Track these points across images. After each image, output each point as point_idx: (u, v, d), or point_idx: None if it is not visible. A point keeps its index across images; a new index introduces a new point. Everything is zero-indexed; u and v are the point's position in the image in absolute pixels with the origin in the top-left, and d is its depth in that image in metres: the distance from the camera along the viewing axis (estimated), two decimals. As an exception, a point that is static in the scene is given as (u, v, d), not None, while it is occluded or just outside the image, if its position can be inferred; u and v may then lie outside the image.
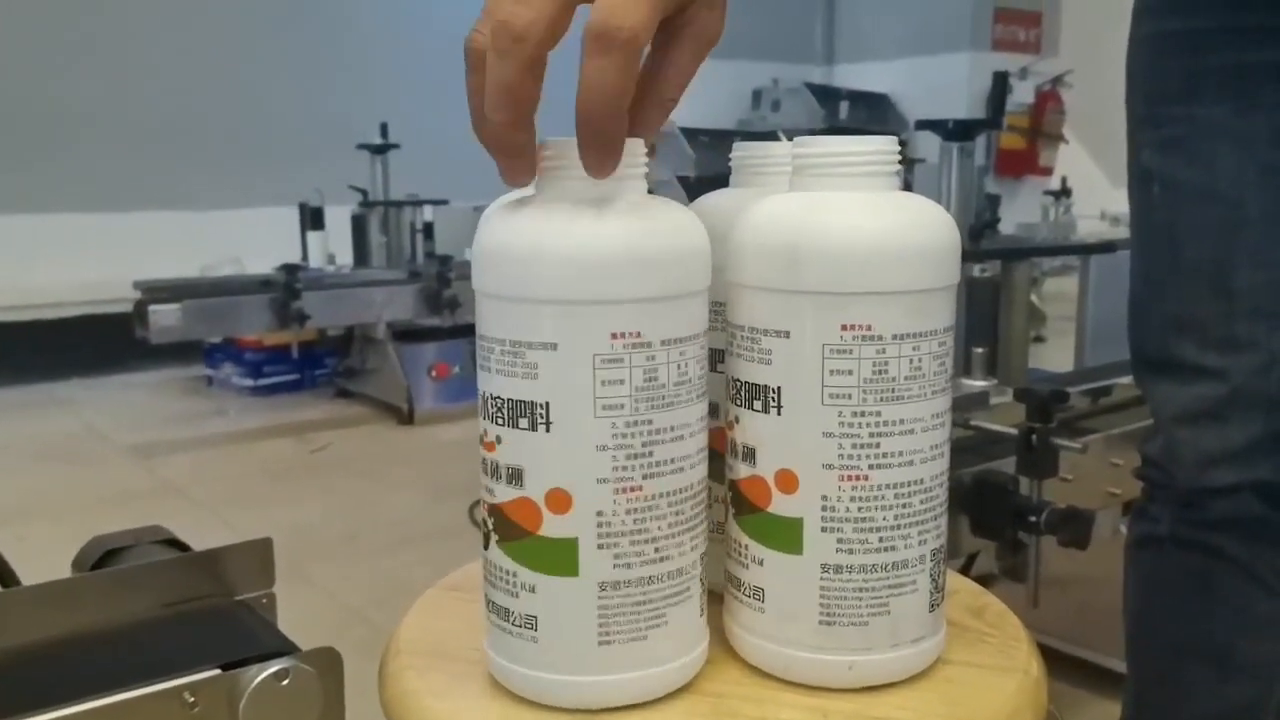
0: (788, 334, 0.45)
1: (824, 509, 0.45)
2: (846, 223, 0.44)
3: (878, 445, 0.45)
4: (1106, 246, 2.00)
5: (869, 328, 0.44)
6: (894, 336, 0.44)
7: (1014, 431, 1.40)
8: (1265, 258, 0.82)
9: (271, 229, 4.44)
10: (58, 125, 4.49)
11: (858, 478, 0.45)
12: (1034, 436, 1.36)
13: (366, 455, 3.34)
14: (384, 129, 4.35)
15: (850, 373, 0.44)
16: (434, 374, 3.67)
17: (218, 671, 0.73)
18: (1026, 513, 1.36)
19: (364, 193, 4.32)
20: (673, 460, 0.44)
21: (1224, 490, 0.86)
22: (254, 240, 4.39)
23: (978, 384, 1.71)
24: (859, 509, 0.45)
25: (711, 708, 0.46)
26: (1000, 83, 2.25)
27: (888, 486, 0.45)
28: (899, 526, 0.45)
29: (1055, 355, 3.70)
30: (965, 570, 1.55)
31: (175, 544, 0.95)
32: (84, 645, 0.79)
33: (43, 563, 0.81)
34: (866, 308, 0.44)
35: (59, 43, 4.49)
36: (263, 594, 0.89)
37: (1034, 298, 5.13)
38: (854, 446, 0.45)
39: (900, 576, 0.46)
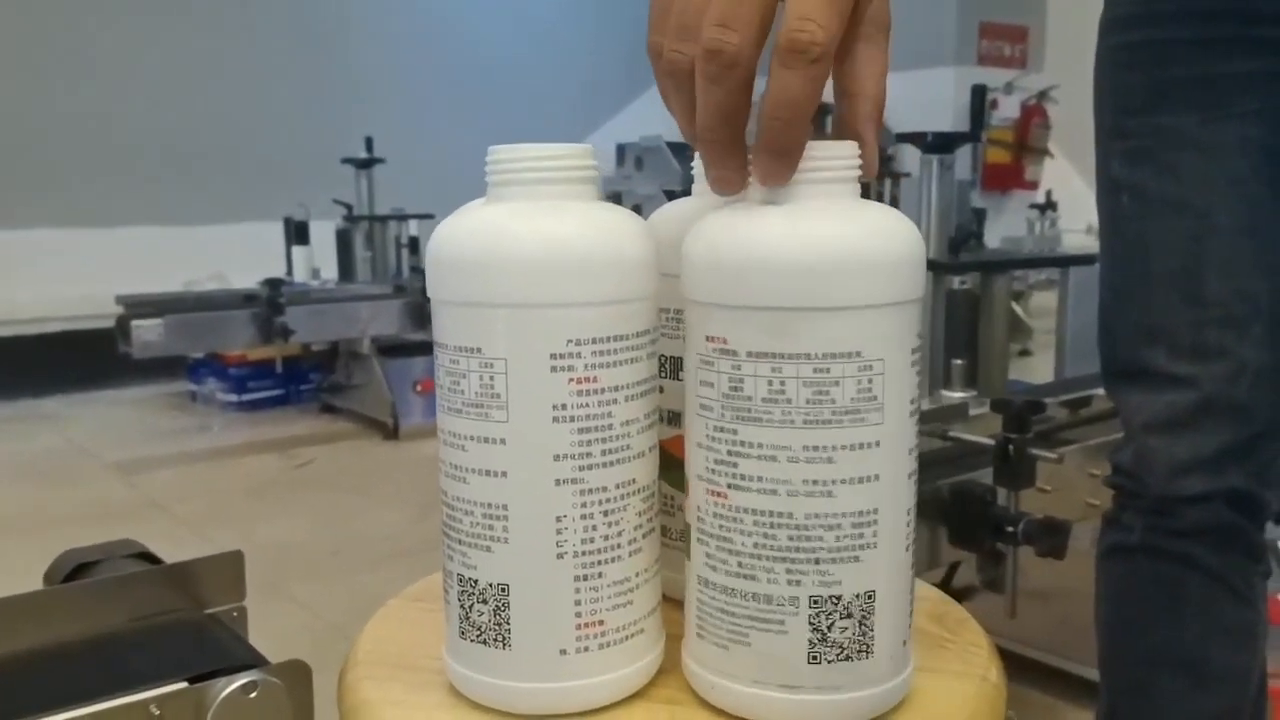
0: (684, 339, 0.45)
1: (698, 519, 0.45)
2: (725, 233, 0.43)
3: (735, 465, 0.43)
4: (1085, 259, 2.02)
5: (725, 341, 0.43)
6: (749, 354, 0.42)
7: (991, 442, 1.40)
8: (1233, 266, 0.83)
9: (256, 244, 4.44)
10: (40, 140, 4.48)
11: (719, 494, 0.44)
12: (1011, 447, 1.36)
13: (351, 471, 3.33)
14: (369, 143, 4.35)
15: (712, 385, 0.43)
16: (419, 389, 3.66)
17: (185, 684, 0.72)
18: (1004, 523, 1.36)
19: (349, 207, 4.32)
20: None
21: (1195, 498, 0.86)
22: (238, 256, 4.38)
23: (956, 395, 1.71)
24: (720, 526, 0.44)
25: (669, 715, 0.46)
26: (979, 96, 2.26)
27: (745, 510, 0.43)
28: (760, 557, 0.43)
29: (1041, 369, 3.71)
30: (946, 581, 1.55)
31: (147, 557, 0.94)
32: (52, 658, 0.78)
33: (18, 578, 0.81)
34: (724, 321, 0.43)
35: (42, 57, 4.48)
36: (233, 607, 0.89)
37: (1020, 312, 5.16)
38: (716, 462, 0.44)
39: (764, 611, 0.43)
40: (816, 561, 0.42)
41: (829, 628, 0.43)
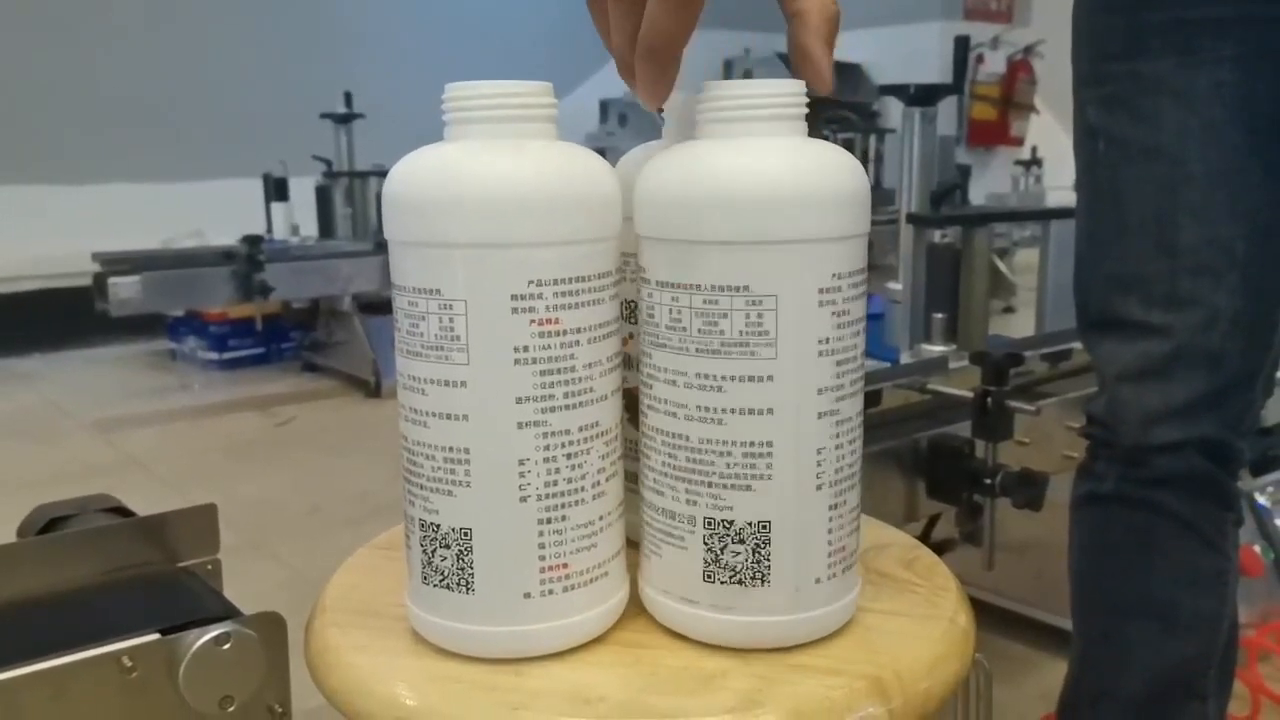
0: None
1: (640, 441, 0.48)
2: (648, 169, 0.45)
3: (650, 387, 0.46)
4: (1066, 212, 2.01)
5: (644, 270, 0.45)
6: (658, 283, 0.44)
7: (969, 395, 1.40)
8: (1208, 214, 0.82)
9: (234, 201, 4.38)
10: (14, 97, 4.41)
11: (643, 414, 0.47)
12: (989, 400, 1.36)
13: (332, 429, 3.32)
14: (348, 98, 4.30)
15: (640, 312, 0.46)
16: (401, 346, 3.64)
17: (157, 636, 0.72)
18: (981, 476, 1.37)
19: (328, 163, 4.27)
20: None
21: (1168, 447, 0.86)
22: (217, 213, 4.34)
23: (936, 349, 1.71)
24: (644, 444, 0.47)
25: (634, 658, 0.46)
26: (962, 47, 2.24)
27: (656, 430, 0.45)
28: (666, 475, 0.45)
29: (1025, 325, 3.71)
30: (925, 534, 1.56)
31: (121, 512, 0.94)
32: (24, 611, 0.78)
33: (-3, 536, 0.80)
34: (644, 251, 0.45)
35: (17, 13, 4.40)
36: (207, 560, 0.88)
37: (1004, 268, 5.16)
38: (642, 386, 0.46)
39: (669, 526, 0.46)
40: (710, 485, 0.44)
41: (722, 550, 0.45)
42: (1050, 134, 6.59)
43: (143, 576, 0.84)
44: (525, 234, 0.42)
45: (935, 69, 6.20)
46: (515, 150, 0.43)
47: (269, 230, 4.18)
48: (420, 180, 0.43)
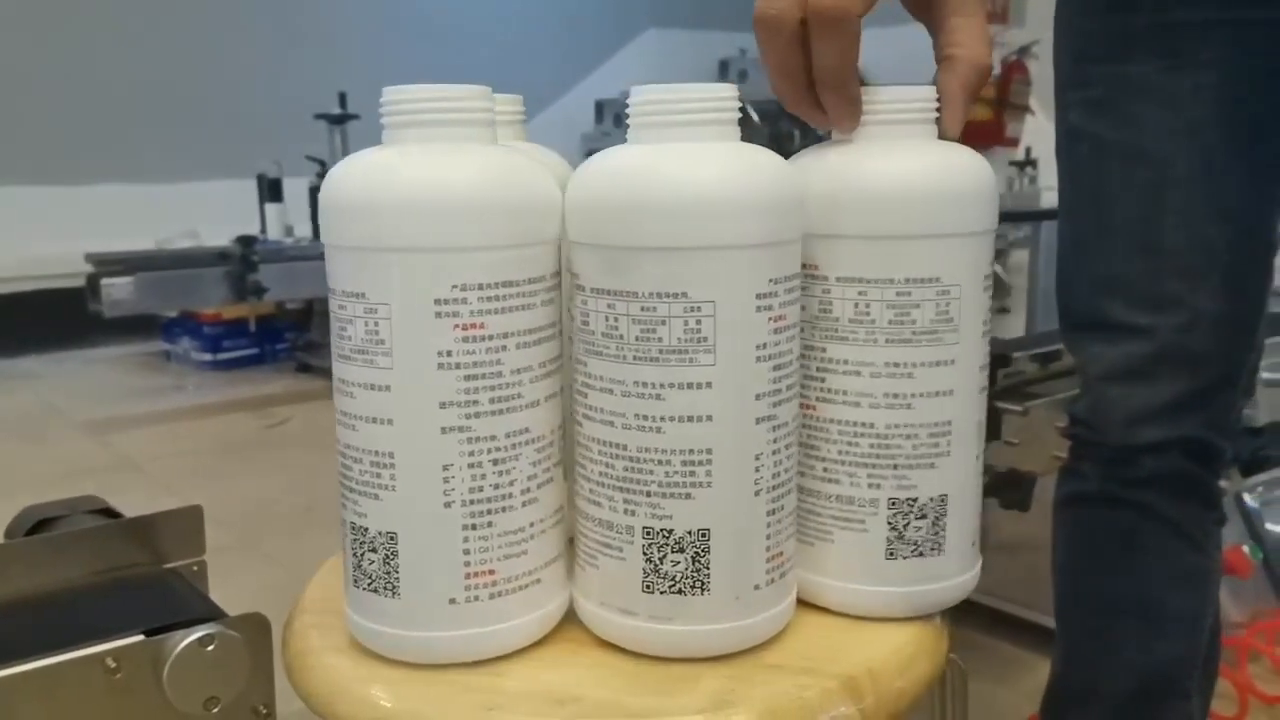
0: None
1: (575, 451, 0.47)
2: (579, 174, 0.45)
3: (585, 395, 0.45)
4: (1054, 214, 2.01)
5: (576, 276, 0.45)
6: (592, 290, 0.44)
7: (958, 395, 1.40)
8: (1190, 216, 0.83)
9: (229, 201, 4.37)
10: (8, 96, 4.40)
11: (577, 423, 0.46)
12: (977, 400, 1.36)
13: (325, 429, 3.26)
14: (342, 99, 4.30)
15: (573, 319, 0.46)
16: (395, 347, 3.63)
17: (141, 637, 0.72)
18: (970, 476, 1.37)
19: (322, 164, 4.26)
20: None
21: (1151, 447, 0.86)
22: (211, 213, 4.33)
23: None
24: (578, 453, 0.46)
25: (613, 658, 0.46)
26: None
27: (592, 440, 0.45)
28: (603, 485, 0.45)
29: (1019, 325, 3.71)
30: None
31: (109, 513, 0.94)
32: (9, 612, 0.78)
33: (-13, 537, 0.80)
34: (577, 257, 0.45)
35: (8, 11, 4.39)
36: (193, 562, 0.89)
37: (999, 269, 5.16)
38: (575, 392, 0.46)
39: (606, 537, 0.45)
40: (649, 494, 0.44)
41: (661, 559, 0.44)
42: (1045, 135, 6.55)
43: (128, 578, 0.85)
44: (447, 238, 0.41)
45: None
46: (444, 154, 0.43)
47: (263, 231, 4.17)
48: (348, 184, 0.43)
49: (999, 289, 4.88)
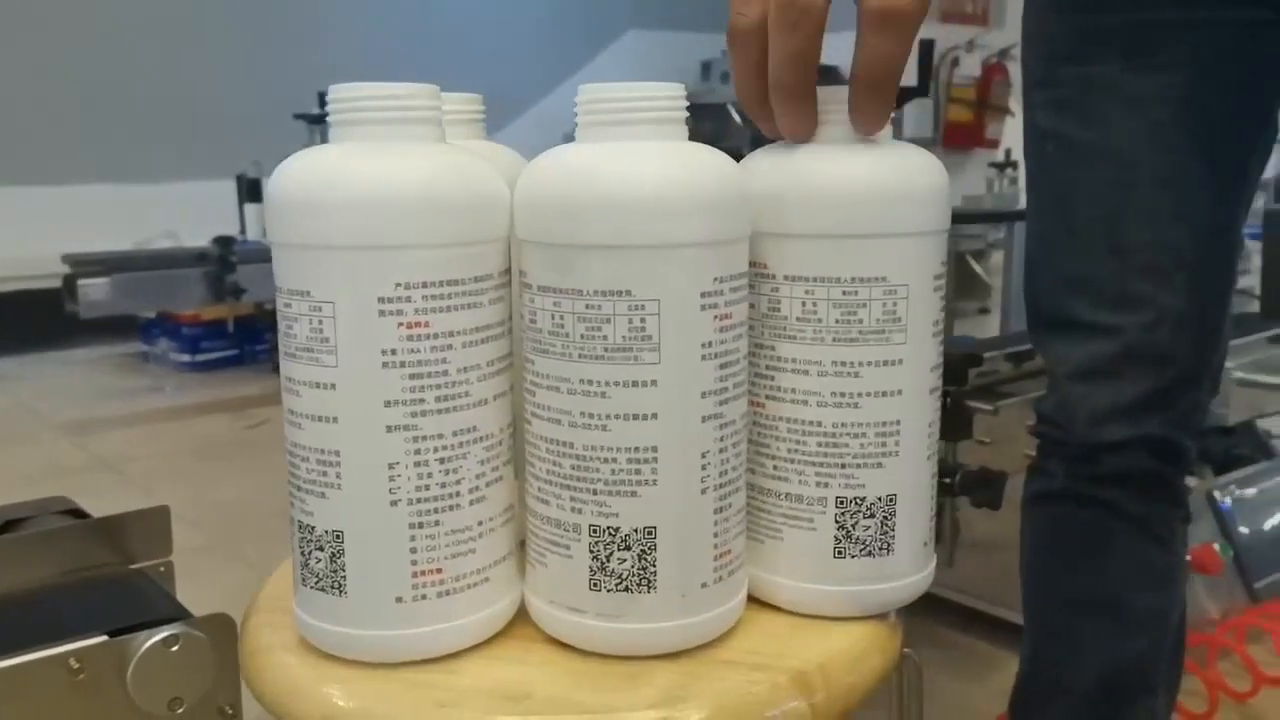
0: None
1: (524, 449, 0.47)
2: (533, 171, 0.45)
3: (533, 394, 0.45)
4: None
5: (524, 274, 0.45)
6: (539, 288, 0.44)
7: (931, 395, 1.41)
8: (1155, 216, 0.83)
9: (208, 202, 4.36)
10: (-16, 96, 4.37)
11: (526, 421, 0.46)
12: (948, 399, 1.37)
13: (305, 430, 3.30)
14: (322, 99, 4.26)
15: (522, 317, 0.46)
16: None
17: (104, 638, 0.72)
18: (941, 474, 1.38)
19: (302, 165, 4.25)
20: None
21: (1116, 445, 0.87)
22: (190, 214, 4.31)
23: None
24: (528, 451, 0.46)
25: (566, 655, 0.46)
26: (927, 51, 2.26)
27: (540, 438, 0.45)
28: (550, 483, 0.45)
29: (998, 325, 3.73)
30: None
31: (77, 514, 0.93)
32: (-26, 613, 0.77)
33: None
34: (527, 256, 0.45)
35: (-16, 11, 4.37)
36: (160, 562, 0.88)
37: (979, 269, 5.18)
38: (524, 390, 0.46)
39: (554, 535, 0.45)
40: (594, 492, 0.44)
41: (608, 557, 0.44)
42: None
43: (95, 578, 0.84)
44: (389, 236, 0.41)
45: (913, 71, 6.23)
46: (388, 152, 0.43)
47: (242, 231, 4.15)
48: (292, 182, 0.43)
49: (978, 288, 4.90)
